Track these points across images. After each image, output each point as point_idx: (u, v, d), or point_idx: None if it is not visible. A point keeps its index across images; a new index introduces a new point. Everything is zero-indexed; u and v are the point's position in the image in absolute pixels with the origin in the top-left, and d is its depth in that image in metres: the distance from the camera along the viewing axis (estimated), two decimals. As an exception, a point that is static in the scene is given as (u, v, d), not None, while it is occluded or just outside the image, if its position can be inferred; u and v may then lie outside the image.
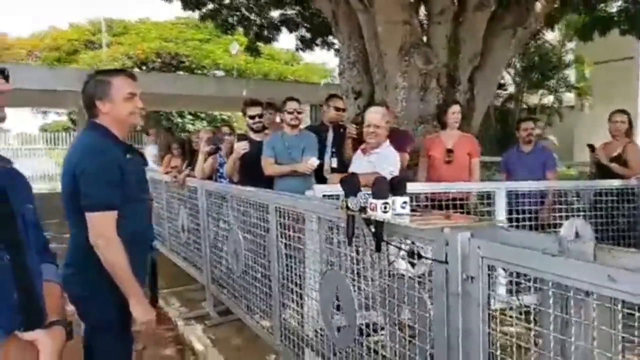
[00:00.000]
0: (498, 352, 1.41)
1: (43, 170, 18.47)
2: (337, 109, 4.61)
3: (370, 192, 1.83)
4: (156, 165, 6.86)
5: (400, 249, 1.84)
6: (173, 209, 5.38)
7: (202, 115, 25.74)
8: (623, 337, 1.15)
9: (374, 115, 3.70)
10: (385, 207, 1.75)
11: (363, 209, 1.83)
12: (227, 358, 3.41)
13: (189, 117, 25.02)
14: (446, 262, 1.53)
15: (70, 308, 2.07)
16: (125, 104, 2.11)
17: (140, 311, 2.04)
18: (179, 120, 24.25)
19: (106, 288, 2.02)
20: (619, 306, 1.12)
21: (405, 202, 1.79)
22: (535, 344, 1.45)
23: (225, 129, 5.33)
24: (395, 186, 1.82)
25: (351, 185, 1.89)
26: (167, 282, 4.99)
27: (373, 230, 1.84)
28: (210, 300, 4.29)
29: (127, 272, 2.01)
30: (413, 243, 1.89)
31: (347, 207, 1.88)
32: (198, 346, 3.62)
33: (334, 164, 4.32)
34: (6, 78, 1.33)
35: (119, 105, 2.10)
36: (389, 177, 2.03)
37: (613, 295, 1.08)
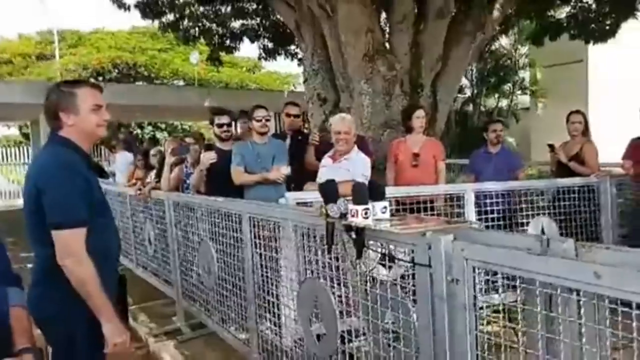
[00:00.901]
0: (486, 354, 1.42)
1: (-7, 188, 17.60)
2: (289, 115, 4.65)
3: (348, 198, 1.82)
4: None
5: (383, 254, 1.84)
6: (138, 222, 5.22)
7: (162, 125, 25.25)
8: (611, 333, 1.18)
9: (343, 122, 3.72)
10: (365, 213, 1.74)
11: (343, 216, 1.82)
12: (202, 374, 3.33)
13: (149, 127, 24.50)
14: (429, 266, 1.54)
15: (38, 332, 1.97)
16: (91, 116, 2.03)
17: (112, 331, 1.96)
18: (138, 131, 23.70)
19: (75, 308, 1.92)
20: (605, 302, 1.14)
21: (385, 207, 1.80)
22: (518, 342, 1.47)
23: (190, 139, 5.23)
24: (374, 191, 1.82)
25: (330, 192, 1.88)
26: (134, 298, 4.82)
27: (354, 236, 1.83)
28: (181, 315, 4.18)
29: (98, 290, 1.92)
30: (382, 245, 1.89)
31: (327, 214, 1.86)
32: (171, 363, 3.51)
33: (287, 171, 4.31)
34: None
35: (85, 117, 2.02)
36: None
37: (599, 292, 1.11)
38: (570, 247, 1.29)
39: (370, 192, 1.82)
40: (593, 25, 8.56)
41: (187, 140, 5.24)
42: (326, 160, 3.85)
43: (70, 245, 1.88)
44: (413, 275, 1.74)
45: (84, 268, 1.89)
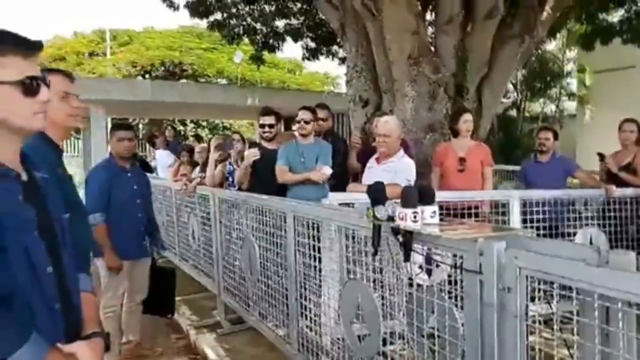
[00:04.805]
0: (537, 364, 1.40)
1: None
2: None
3: (396, 201, 1.83)
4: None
5: (429, 259, 1.84)
6: (182, 217, 5.37)
7: (204, 123, 25.76)
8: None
9: (383, 124, 3.72)
10: (414, 217, 1.74)
11: (391, 219, 1.83)
12: (241, 367, 3.40)
13: (191, 124, 25.08)
14: (480, 273, 1.52)
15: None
16: (60, 105, 1.99)
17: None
18: (182, 128, 24.30)
19: None
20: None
21: (434, 212, 1.79)
22: (571, 356, 1.44)
23: (236, 136, 5.32)
24: (424, 195, 1.82)
25: (379, 194, 1.89)
26: (177, 290, 4.95)
27: (401, 240, 1.84)
28: (221, 309, 4.27)
29: None
30: (429, 250, 1.88)
31: (374, 217, 1.87)
32: (212, 356, 3.59)
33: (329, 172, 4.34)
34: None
35: (53, 105, 1.83)
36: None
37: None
38: (631, 260, 1.26)
39: (420, 195, 1.81)
40: (647, 30, 8.20)
41: (234, 136, 5.33)
42: (371, 161, 3.86)
43: None
44: (458, 280, 1.73)
45: None
